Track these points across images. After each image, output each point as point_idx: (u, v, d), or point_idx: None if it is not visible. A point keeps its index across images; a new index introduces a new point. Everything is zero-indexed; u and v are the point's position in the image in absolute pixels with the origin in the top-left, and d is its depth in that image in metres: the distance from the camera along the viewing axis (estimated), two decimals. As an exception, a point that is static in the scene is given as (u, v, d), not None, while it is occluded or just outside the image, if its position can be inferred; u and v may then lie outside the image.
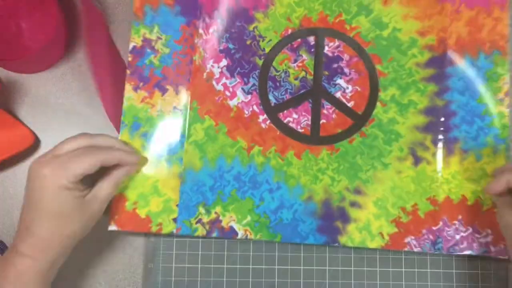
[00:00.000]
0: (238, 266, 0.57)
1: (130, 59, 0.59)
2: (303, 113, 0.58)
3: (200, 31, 0.59)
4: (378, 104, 0.58)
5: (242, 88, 0.59)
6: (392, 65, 0.58)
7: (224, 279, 0.57)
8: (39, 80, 0.59)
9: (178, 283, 0.57)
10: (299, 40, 0.59)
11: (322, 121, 0.58)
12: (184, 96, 0.58)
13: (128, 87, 0.58)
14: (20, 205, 0.48)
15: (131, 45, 0.59)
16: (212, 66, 0.59)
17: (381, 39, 0.59)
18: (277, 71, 0.59)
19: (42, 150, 0.59)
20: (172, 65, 0.59)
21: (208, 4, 0.60)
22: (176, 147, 0.58)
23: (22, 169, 0.58)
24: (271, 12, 0.60)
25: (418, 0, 0.59)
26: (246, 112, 0.58)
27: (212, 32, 0.59)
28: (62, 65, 0.60)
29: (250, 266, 0.57)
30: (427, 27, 0.59)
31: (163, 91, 0.58)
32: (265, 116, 0.58)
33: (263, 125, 0.58)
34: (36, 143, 0.58)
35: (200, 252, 0.57)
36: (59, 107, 0.60)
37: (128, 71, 0.58)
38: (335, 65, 0.59)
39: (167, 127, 0.58)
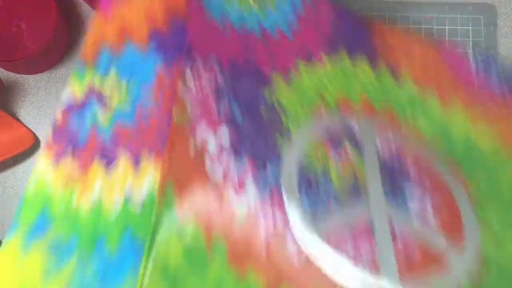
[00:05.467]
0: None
1: (58, 116, 0.38)
2: (361, 240, 0.32)
3: (188, 75, 0.35)
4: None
5: (256, 181, 0.33)
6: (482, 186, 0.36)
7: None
8: (39, 81, 0.60)
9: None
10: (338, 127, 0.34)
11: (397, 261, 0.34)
12: (149, 172, 0.33)
13: (43, 158, 0.36)
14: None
15: (64, 97, 0.39)
16: (204, 133, 0.34)
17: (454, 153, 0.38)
18: (309, 162, 0.35)
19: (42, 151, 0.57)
20: (133, 122, 0.35)
21: (202, 46, 0.36)
22: (124, 273, 0.30)
23: (22, 169, 0.59)
24: (295, 79, 0.38)
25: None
26: (264, 224, 0.31)
27: (208, 83, 0.35)
28: (62, 66, 0.60)
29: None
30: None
31: (110, 162, 0.33)
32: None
33: (295, 257, 0.31)
34: (36, 144, 0.59)
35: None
36: (59, 108, 0.58)
37: (49, 134, 0.37)
38: (397, 165, 0.34)
39: (106, 231, 0.32)
